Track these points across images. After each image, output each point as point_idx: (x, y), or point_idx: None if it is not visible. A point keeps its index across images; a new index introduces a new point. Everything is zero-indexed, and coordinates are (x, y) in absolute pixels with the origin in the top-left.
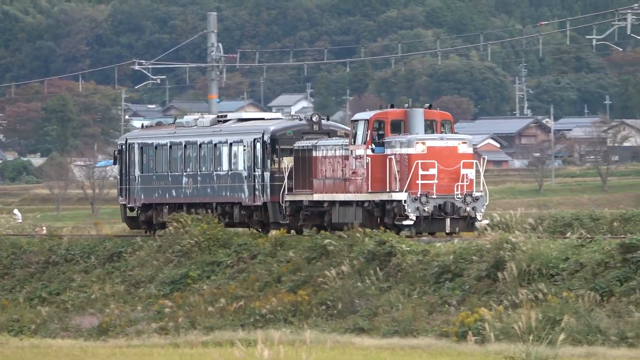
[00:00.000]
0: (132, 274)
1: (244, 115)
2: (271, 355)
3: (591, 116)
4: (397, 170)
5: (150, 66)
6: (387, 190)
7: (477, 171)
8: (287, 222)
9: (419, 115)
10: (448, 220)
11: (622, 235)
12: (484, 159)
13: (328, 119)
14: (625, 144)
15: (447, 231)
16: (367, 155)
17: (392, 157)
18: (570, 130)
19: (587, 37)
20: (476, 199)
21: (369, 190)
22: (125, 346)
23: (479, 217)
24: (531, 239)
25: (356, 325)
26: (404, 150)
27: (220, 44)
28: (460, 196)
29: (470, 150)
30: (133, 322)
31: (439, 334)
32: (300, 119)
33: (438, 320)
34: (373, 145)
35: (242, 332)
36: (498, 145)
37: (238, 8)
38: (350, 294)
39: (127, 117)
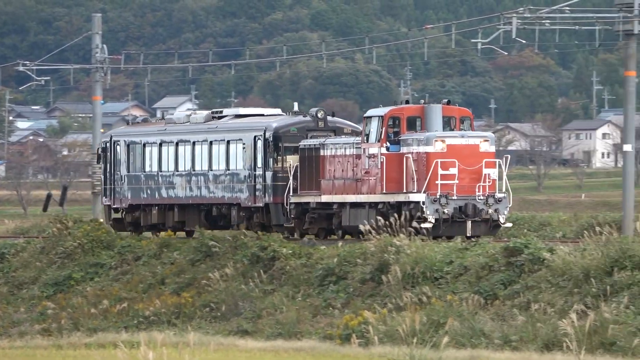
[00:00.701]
0: (15, 275)
1: (242, 111)
2: (154, 357)
3: (476, 120)
4: (415, 170)
5: (34, 67)
6: (404, 191)
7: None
8: (292, 224)
9: (436, 112)
10: (469, 223)
11: (506, 239)
12: (506, 157)
13: (333, 115)
14: (509, 148)
15: (468, 235)
16: (381, 154)
17: (410, 155)
18: None
19: (473, 40)
20: (499, 200)
21: (384, 191)
22: (8, 347)
23: (501, 220)
24: (415, 242)
25: (240, 328)
26: (422, 149)
27: (104, 46)
28: (482, 197)
29: (492, 149)
30: (16, 323)
31: (322, 337)
32: (305, 115)
33: (322, 323)
34: (388, 144)
35: (125, 334)
36: None
37: (123, 10)
38: (234, 296)
39: (10, 118)
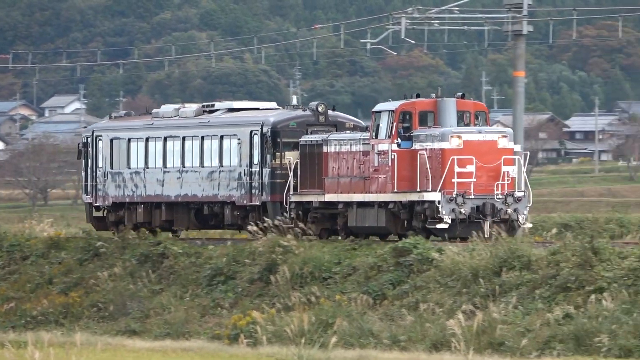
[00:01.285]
0: None
1: (235, 104)
2: (41, 357)
3: (365, 119)
4: (429, 168)
5: None
6: (417, 189)
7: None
8: (292, 225)
9: (450, 106)
10: (487, 224)
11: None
12: (526, 154)
13: (334, 109)
14: None
15: (486, 236)
16: (392, 151)
17: (424, 152)
18: None
19: (362, 40)
20: (518, 199)
21: (395, 190)
22: None
23: (521, 220)
24: (304, 242)
25: (128, 328)
26: (437, 145)
27: None
28: (500, 196)
29: (511, 145)
30: None
31: (211, 337)
32: (304, 109)
33: (210, 322)
34: (399, 140)
35: (12, 333)
36: None
37: (11, 9)
38: (122, 296)
39: None
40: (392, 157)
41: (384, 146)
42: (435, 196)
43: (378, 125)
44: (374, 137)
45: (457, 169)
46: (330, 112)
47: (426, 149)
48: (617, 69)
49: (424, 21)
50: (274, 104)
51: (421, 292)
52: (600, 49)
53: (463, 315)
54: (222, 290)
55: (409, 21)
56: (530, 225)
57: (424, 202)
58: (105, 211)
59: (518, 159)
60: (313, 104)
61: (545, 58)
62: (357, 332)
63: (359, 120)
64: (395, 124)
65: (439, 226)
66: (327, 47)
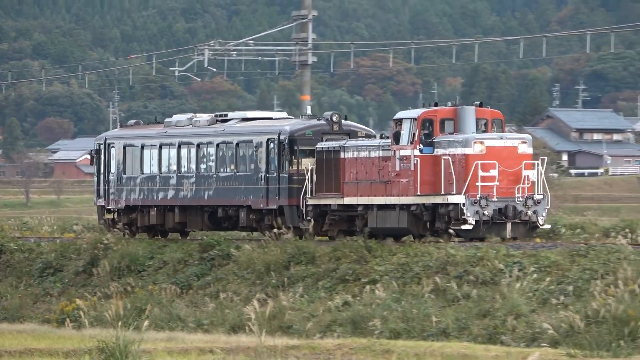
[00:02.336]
0: None
1: (249, 114)
2: None
3: None
4: (453, 172)
5: None
6: (442, 192)
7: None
8: (308, 227)
9: (470, 114)
10: (509, 225)
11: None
12: (543, 159)
13: (346, 119)
14: None
15: (507, 236)
16: (414, 156)
17: (448, 157)
18: None
19: (171, 68)
20: (537, 202)
21: (418, 193)
22: None
23: (540, 222)
24: (122, 240)
25: None
26: (460, 150)
27: None
28: (521, 199)
29: (530, 151)
30: None
31: (42, 321)
32: (319, 119)
33: (41, 308)
34: (421, 145)
35: None
36: None
37: None
38: None
39: None
40: (415, 162)
41: (406, 152)
42: (459, 199)
43: (399, 132)
44: (395, 143)
45: (480, 173)
46: (343, 121)
47: (450, 154)
48: (389, 94)
49: (224, 52)
50: (284, 114)
51: (222, 282)
52: (374, 77)
53: (257, 303)
54: (51, 281)
55: (211, 52)
56: (549, 226)
57: (448, 204)
58: (116, 213)
59: (537, 163)
60: (327, 113)
61: (327, 84)
62: (167, 316)
63: (370, 129)
64: (418, 130)
65: (463, 227)
66: (141, 74)
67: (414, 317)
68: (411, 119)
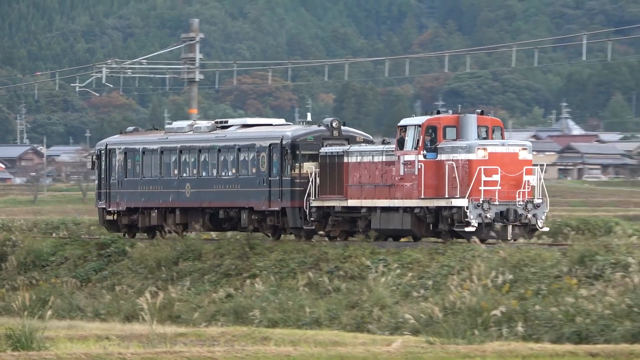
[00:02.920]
0: None
1: (249, 120)
2: None
3: (75, 145)
4: (454, 176)
5: None
6: (446, 196)
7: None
8: (312, 227)
9: (472, 121)
10: (510, 227)
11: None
12: (542, 165)
13: (345, 124)
14: None
15: (508, 238)
16: (419, 161)
17: (452, 162)
18: (59, 155)
19: (72, 84)
20: (537, 205)
21: (422, 197)
22: None
23: (539, 224)
24: (28, 237)
25: None
26: (464, 156)
27: None
28: (521, 203)
29: (530, 157)
30: None
31: None
32: (319, 125)
33: None
34: (425, 151)
35: None
36: (3, 166)
37: None
38: None
39: None
40: (419, 166)
41: (410, 157)
42: (463, 202)
43: (403, 138)
44: (399, 149)
45: (483, 178)
46: (342, 127)
47: (454, 160)
48: (268, 108)
49: (120, 70)
50: (283, 120)
51: (117, 276)
52: (255, 93)
53: (149, 295)
54: None
55: (108, 70)
56: (547, 229)
57: (451, 207)
58: (116, 215)
59: (537, 169)
60: (327, 120)
61: (213, 99)
62: (68, 307)
63: (368, 135)
64: (422, 136)
65: (467, 229)
66: (46, 89)
67: (289, 308)
68: (415, 125)
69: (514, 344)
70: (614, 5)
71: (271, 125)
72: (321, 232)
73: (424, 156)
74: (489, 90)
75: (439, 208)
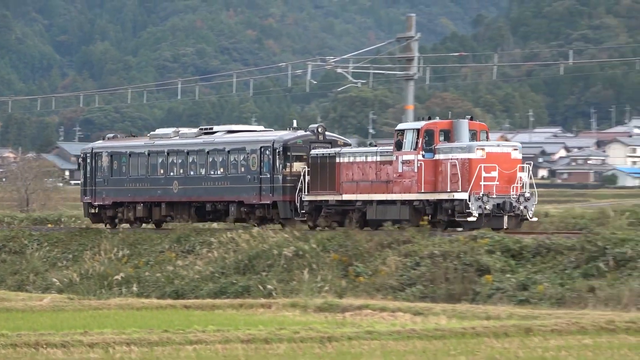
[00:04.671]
0: None
1: (234, 127)
2: None
3: None
4: (457, 173)
5: None
6: (442, 190)
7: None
8: (304, 218)
9: (464, 126)
10: (505, 218)
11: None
12: (530, 164)
13: (325, 130)
14: None
15: (504, 227)
16: (418, 160)
17: (455, 161)
18: None
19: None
20: (527, 199)
21: (421, 191)
22: None
23: (529, 215)
24: None
25: None
26: (464, 155)
27: None
28: (515, 196)
29: (520, 156)
30: None
31: None
32: (305, 130)
33: None
34: (423, 151)
35: None
36: None
37: None
38: None
39: None
40: (419, 165)
41: (409, 157)
42: (464, 195)
43: (400, 141)
44: (397, 150)
45: (483, 174)
46: (326, 132)
47: (454, 159)
48: None
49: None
50: (262, 127)
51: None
52: None
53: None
54: None
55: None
56: (536, 219)
57: (453, 200)
58: (98, 209)
59: (528, 167)
60: (313, 126)
61: None
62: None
63: (346, 139)
64: (421, 139)
65: (469, 219)
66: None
67: None
68: (414, 129)
69: (130, 299)
70: (200, 60)
71: (255, 131)
72: (305, 220)
73: (423, 156)
74: (112, 120)
75: (440, 201)
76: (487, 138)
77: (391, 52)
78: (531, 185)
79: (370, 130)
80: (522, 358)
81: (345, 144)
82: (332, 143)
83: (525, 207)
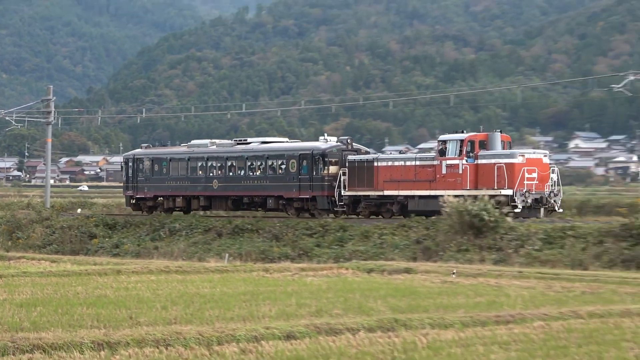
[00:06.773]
0: None
1: (267, 139)
2: None
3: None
4: (503, 174)
5: None
6: (494, 188)
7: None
8: (344, 209)
9: (497, 137)
10: (542, 209)
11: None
12: (555, 167)
13: (353, 141)
14: None
15: (540, 217)
16: (463, 164)
17: (503, 165)
18: None
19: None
20: (556, 194)
21: (467, 188)
22: None
23: (556, 207)
24: None
25: None
26: (508, 160)
27: None
28: (547, 192)
29: (548, 161)
30: None
31: None
32: (337, 141)
33: None
34: (467, 157)
35: None
36: None
37: None
38: None
39: None
40: (464, 168)
41: (453, 162)
42: (509, 192)
43: (443, 149)
44: (441, 156)
45: (526, 175)
46: (354, 143)
47: (500, 163)
48: None
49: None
50: (286, 139)
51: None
52: None
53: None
54: None
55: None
56: (562, 210)
57: (500, 195)
58: (137, 200)
59: (556, 169)
60: (343, 138)
61: None
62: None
63: (367, 148)
64: (464, 148)
65: (515, 210)
66: None
67: None
68: (458, 140)
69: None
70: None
71: (288, 141)
72: (344, 210)
73: (466, 160)
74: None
75: (489, 196)
76: (511, 147)
77: (39, 107)
78: (557, 184)
79: (26, 153)
80: (115, 287)
81: (367, 152)
82: (357, 151)
83: (554, 201)
